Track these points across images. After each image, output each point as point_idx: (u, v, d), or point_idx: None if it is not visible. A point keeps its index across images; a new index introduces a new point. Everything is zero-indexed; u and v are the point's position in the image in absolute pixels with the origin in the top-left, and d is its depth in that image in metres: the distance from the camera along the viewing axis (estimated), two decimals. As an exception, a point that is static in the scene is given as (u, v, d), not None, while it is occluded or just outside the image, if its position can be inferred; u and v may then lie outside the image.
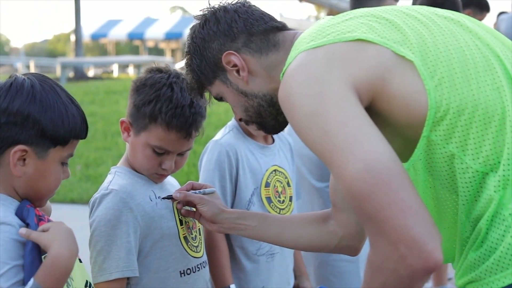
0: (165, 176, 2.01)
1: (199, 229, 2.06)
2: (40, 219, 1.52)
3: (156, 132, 1.89)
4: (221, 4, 1.66)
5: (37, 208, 1.55)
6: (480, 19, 5.07)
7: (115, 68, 26.53)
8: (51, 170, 1.55)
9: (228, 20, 1.62)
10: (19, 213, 1.48)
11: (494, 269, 1.30)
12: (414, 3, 4.02)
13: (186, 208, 1.96)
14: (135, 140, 1.94)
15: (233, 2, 1.67)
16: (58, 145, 1.53)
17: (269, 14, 1.66)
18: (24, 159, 1.51)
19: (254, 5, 1.67)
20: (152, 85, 1.91)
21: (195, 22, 1.68)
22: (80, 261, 1.64)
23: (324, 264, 2.88)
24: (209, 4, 1.68)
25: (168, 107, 1.87)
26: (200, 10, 1.68)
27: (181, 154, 1.97)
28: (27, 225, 1.46)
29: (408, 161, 1.36)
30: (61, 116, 1.52)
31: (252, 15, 1.63)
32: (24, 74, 1.57)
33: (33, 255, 1.43)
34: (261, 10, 1.66)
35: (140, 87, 1.93)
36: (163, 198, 1.95)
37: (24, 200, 1.53)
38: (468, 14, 4.64)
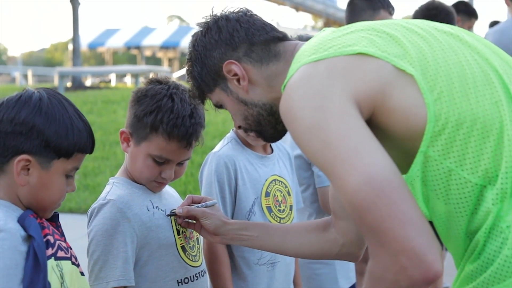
0: (164, 184, 2.02)
1: (197, 238, 2.07)
2: (42, 227, 1.54)
3: (157, 142, 1.91)
4: (223, 13, 1.67)
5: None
6: (469, 26, 5.10)
7: (112, 77, 26.49)
8: (54, 181, 1.57)
9: (230, 29, 1.62)
10: (21, 221, 1.50)
11: (491, 281, 1.30)
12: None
13: (185, 220, 1.96)
14: (136, 150, 1.95)
15: (235, 11, 1.67)
16: (61, 157, 1.56)
17: (270, 24, 1.66)
18: (28, 169, 1.53)
19: (256, 15, 1.68)
20: (153, 96, 1.92)
21: (197, 29, 1.69)
22: (82, 274, 1.64)
23: (301, 266, 2.90)
24: (212, 13, 1.69)
25: (169, 117, 1.89)
26: (203, 18, 1.69)
27: (180, 164, 1.98)
28: (29, 236, 1.48)
29: (406, 177, 1.36)
30: (66, 129, 1.55)
31: (253, 25, 1.63)
32: (36, 89, 1.61)
33: (34, 261, 1.44)
34: (263, 20, 1.67)
35: (141, 98, 1.95)
36: (167, 215, 1.97)
37: (28, 210, 1.55)
38: (457, 22, 4.67)
